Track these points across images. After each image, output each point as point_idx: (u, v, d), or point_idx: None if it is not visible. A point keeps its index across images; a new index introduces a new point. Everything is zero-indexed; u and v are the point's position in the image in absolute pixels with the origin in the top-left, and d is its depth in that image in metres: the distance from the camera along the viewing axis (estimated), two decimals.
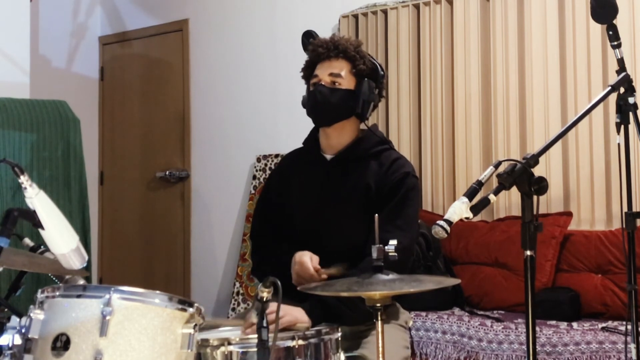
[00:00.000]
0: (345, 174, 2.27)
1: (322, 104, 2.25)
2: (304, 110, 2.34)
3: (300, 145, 2.49)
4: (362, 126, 2.33)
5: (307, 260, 2.13)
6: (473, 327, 3.26)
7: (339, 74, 2.25)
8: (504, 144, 4.00)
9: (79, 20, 5.84)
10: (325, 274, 2.12)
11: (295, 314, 1.99)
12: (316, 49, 2.30)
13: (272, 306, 1.65)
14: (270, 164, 4.83)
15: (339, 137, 2.30)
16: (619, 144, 2.26)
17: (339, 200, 2.25)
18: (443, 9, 4.24)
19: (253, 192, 4.88)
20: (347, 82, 2.25)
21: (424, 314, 3.43)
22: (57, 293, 1.60)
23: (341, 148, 2.30)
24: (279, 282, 1.61)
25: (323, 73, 2.26)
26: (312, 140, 2.38)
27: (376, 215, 1.81)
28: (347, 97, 2.24)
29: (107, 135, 5.90)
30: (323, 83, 2.25)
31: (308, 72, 2.33)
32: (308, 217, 2.28)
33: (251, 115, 5.08)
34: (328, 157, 2.32)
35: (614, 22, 2.34)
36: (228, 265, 5.10)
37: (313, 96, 2.27)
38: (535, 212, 1.74)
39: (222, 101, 5.25)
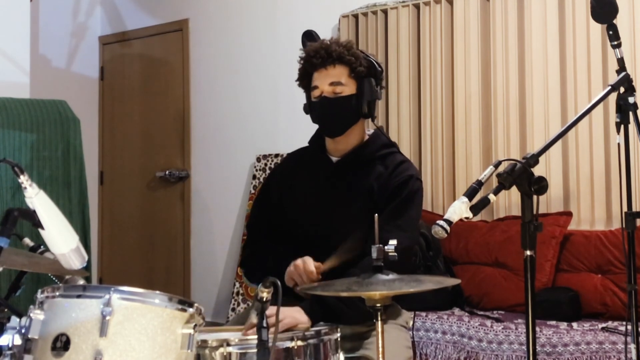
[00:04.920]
0: (350, 177, 2.26)
1: (329, 117, 2.24)
2: (310, 118, 2.33)
3: (300, 144, 2.48)
4: (369, 126, 2.33)
5: (309, 259, 2.12)
6: (473, 327, 3.26)
7: (339, 81, 2.23)
8: (504, 144, 4.00)
9: (79, 20, 5.85)
10: (324, 269, 2.09)
11: (295, 315, 1.98)
12: (310, 59, 2.26)
13: (272, 309, 1.64)
14: (270, 164, 4.83)
15: (347, 140, 2.29)
16: (619, 144, 2.26)
17: (344, 202, 2.25)
18: (443, 9, 4.24)
19: (253, 192, 4.88)
20: (348, 87, 2.23)
21: (424, 314, 3.43)
22: (57, 293, 1.60)
23: (348, 150, 2.30)
24: (279, 282, 1.61)
25: (323, 83, 2.23)
26: (318, 140, 2.37)
27: (376, 215, 1.81)
28: (352, 102, 2.23)
29: (107, 135, 5.91)
30: (325, 94, 2.23)
31: (305, 81, 2.31)
32: (311, 218, 2.27)
33: (251, 115, 5.08)
34: (334, 159, 2.32)
35: (614, 22, 2.34)
36: (228, 265, 5.10)
37: (318, 109, 2.25)
38: (535, 212, 1.74)
39: (222, 101, 5.26)
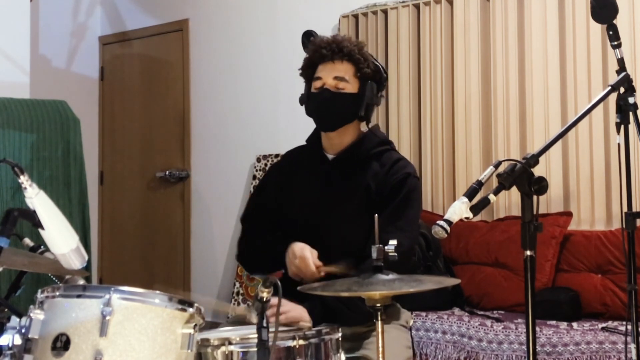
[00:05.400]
0: (346, 174, 2.26)
1: (326, 110, 2.23)
2: (304, 110, 2.33)
3: (300, 144, 2.48)
4: (364, 127, 2.33)
5: (309, 255, 2.12)
6: (473, 327, 3.26)
7: (343, 77, 2.22)
8: (504, 144, 4.00)
9: (79, 20, 5.85)
10: (325, 270, 2.10)
11: (299, 311, 1.99)
12: (319, 49, 2.25)
13: (274, 300, 1.64)
14: (270, 164, 4.83)
15: (341, 138, 2.29)
16: (619, 144, 2.26)
17: (340, 200, 2.25)
18: (443, 9, 4.24)
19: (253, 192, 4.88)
20: (351, 85, 2.23)
21: (424, 314, 3.43)
22: (57, 293, 1.60)
23: (343, 148, 2.30)
24: (279, 282, 1.61)
25: (327, 76, 2.23)
26: (315, 138, 2.37)
27: (376, 215, 1.81)
28: (351, 101, 2.23)
29: (107, 135, 5.90)
30: (327, 87, 2.23)
31: (309, 71, 2.30)
32: (307, 216, 2.27)
33: (251, 115, 5.08)
34: (330, 156, 2.32)
35: (614, 22, 2.34)
36: (228, 265, 5.10)
37: (317, 100, 2.24)
38: (535, 212, 1.74)
39: (222, 101, 5.26)
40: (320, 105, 2.24)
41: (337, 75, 2.22)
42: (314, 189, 2.30)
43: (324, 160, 2.32)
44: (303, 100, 2.31)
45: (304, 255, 2.12)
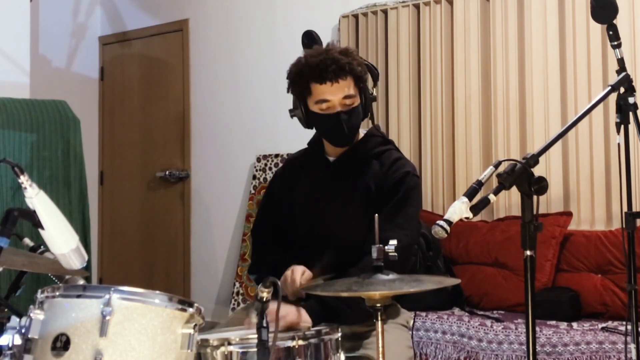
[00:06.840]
0: (347, 176, 2.27)
1: (346, 130, 2.20)
2: (301, 124, 2.29)
3: (300, 144, 2.48)
4: (367, 125, 2.34)
5: (298, 274, 2.11)
6: (473, 327, 3.26)
7: (350, 94, 2.19)
8: (504, 144, 4.00)
9: (79, 20, 5.85)
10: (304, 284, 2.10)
11: (297, 314, 1.99)
12: (320, 72, 2.15)
13: (273, 306, 1.64)
14: (270, 164, 4.83)
15: None
16: (619, 144, 2.26)
17: (341, 201, 2.25)
18: (443, 9, 4.24)
19: (253, 192, 4.88)
20: (357, 97, 2.22)
21: (424, 314, 3.43)
22: (57, 293, 1.60)
23: (344, 150, 2.30)
24: (279, 282, 1.61)
25: (336, 97, 2.17)
26: (318, 142, 2.37)
27: (376, 215, 1.81)
28: (361, 111, 2.23)
29: (107, 135, 5.91)
30: (340, 108, 2.19)
31: (305, 92, 2.21)
32: (310, 219, 2.28)
33: (251, 115, 5.08)
34: (331, 159, 2.32)
35: (614, 22, 2.34)
36: (228, 265, 5.10)
37: (333, 123, 2.19)
38: (535, 212, 1.74)
39: (222, 101, 5.26)
40: (339, 127, 2.20)
41: (346, 95, 2.18)
42: (315, 191, 2.30)
43: (325, 162, 2.32)
44: (298, 116, 2.26)
45: (294, 268, 2.12)
